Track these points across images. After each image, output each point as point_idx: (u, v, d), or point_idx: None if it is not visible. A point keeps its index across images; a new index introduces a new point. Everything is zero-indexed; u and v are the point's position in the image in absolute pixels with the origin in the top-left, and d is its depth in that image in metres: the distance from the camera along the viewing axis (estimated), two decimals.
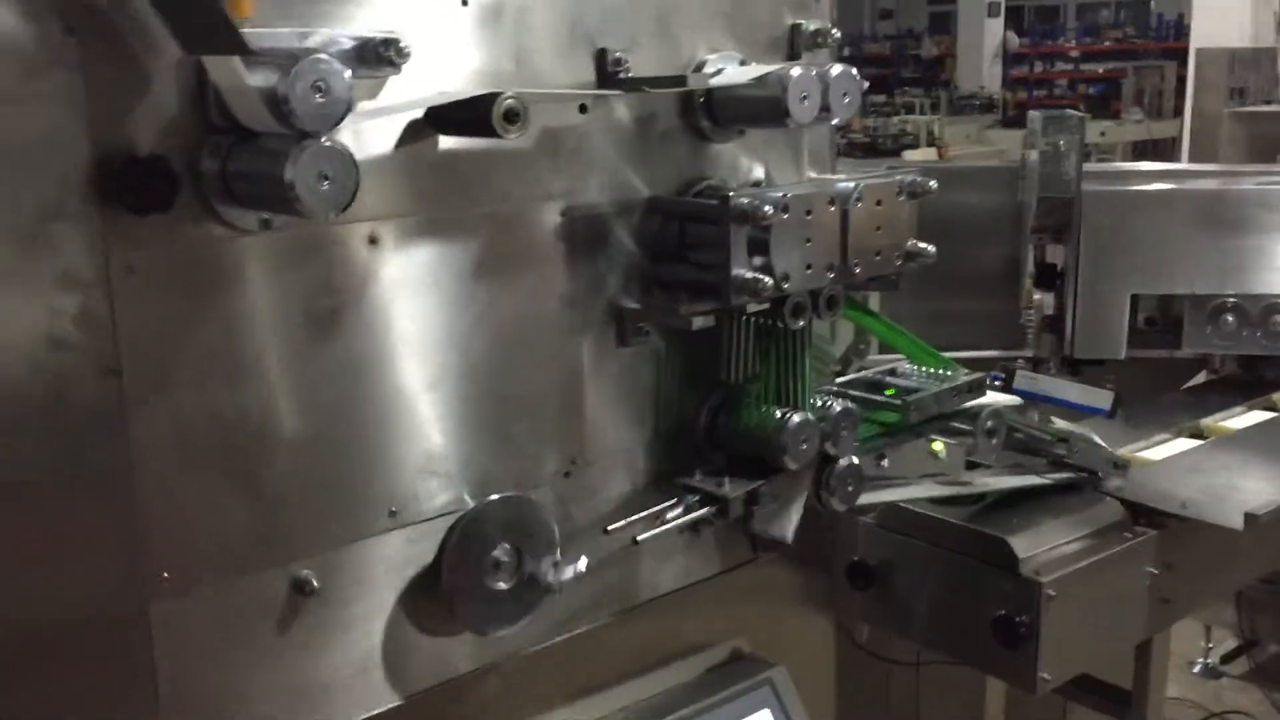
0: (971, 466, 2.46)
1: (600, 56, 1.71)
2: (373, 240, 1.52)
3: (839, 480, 1.91)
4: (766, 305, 1.75)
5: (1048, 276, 3.25)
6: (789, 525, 1.88)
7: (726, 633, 2.09)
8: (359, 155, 1.40)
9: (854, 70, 1.78)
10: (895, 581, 2.32)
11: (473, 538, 1.64)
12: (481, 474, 1.69)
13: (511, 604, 1.68)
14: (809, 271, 1.75)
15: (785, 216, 1.70)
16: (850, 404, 1.92)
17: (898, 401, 2.03)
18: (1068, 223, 3.14)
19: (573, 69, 1.70)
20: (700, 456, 1.92)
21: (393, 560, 1.61)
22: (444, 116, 1.51)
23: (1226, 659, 4.36)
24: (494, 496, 1.68)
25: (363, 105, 1.44)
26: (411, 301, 1.58)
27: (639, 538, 1.76)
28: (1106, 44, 23.18)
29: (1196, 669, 4.25)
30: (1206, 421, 2.90)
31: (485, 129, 1.46)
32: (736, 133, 1.87)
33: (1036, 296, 3.23)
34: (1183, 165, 3.51)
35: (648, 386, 1.87)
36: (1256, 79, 9.70)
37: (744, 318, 1.83)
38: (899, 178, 1.85)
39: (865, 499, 2.01)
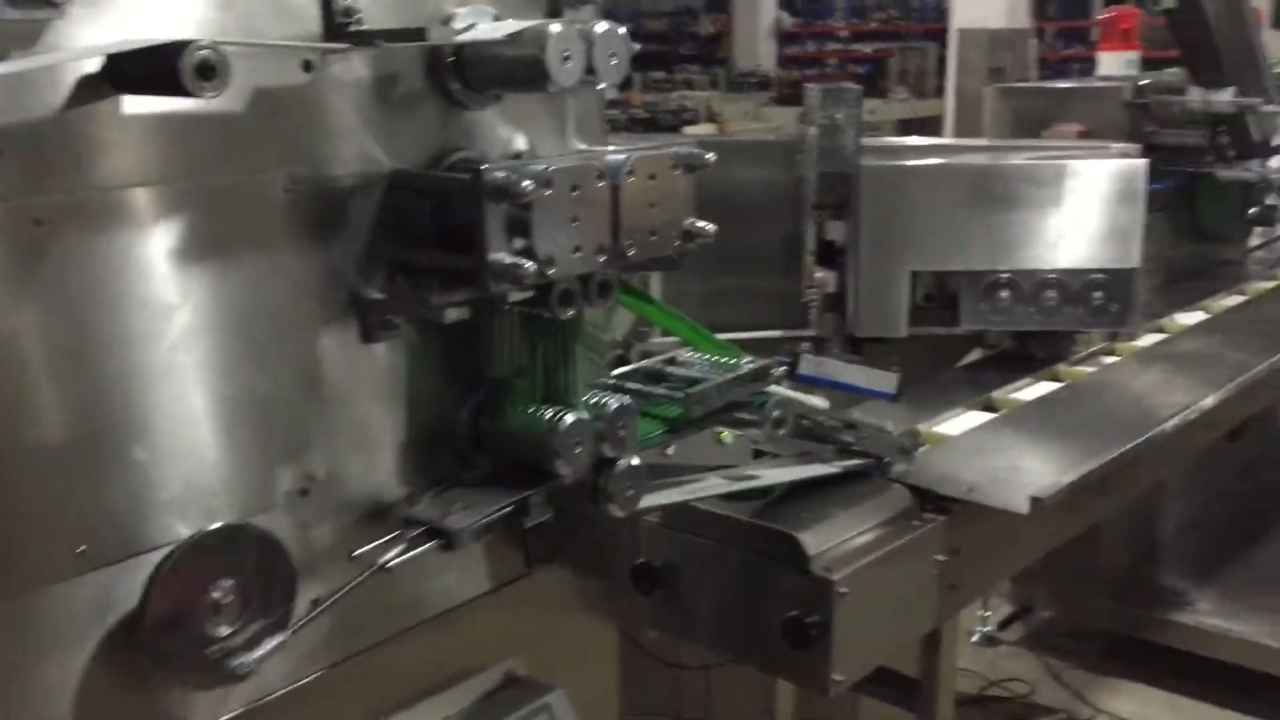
0: (758, 454, 2.34)
1: (326, 4, 1.46)
2: (37, 223, 1.23)
3: (618, 484, 1.73)
4: (530, 293, 1.55)
5: (828, 254, 3.17)
6: None
7: (500, 654, 1.89)
8: (9, 119, 1.13)
9: (621, 28, 1.59)
10: (681, 583, 2.17)
11: (184, 576, 1.38)
12: (199, 498, 1.43)
13: (236, 652, 1.43)
14: (577, 254, 1.55)
15: (548, 193, 1.49)
16: (628, 399, 1.74)
17: (679, 394, 1.86)
18: (847, 199, 3.07)
19: (294, 19, 1.45)
20: (463, 462, 1.71)
21: (83, 610, 1.33)
22: (124, 71, 1.23)
23: (1002, 626, 4.46)
24: (212, 525, 1.42)
25: (14, 58, 1.16)
26: (96, 297, 1.30)
27: (389, 562, 1.53)
28: (873, 25, 23.96)
29: (974, 638, 4.32)
30: (997, 394, 2.87)
31: (175, 86, 1.19)
32: (493, 98, 1.66)
33: (818, 274, 3.15)
34: (955, 140, 3.51)
35: (398, 387, 1.64)
36: (1013, 58, 10.12)
37: (505, 307, 1.62)
38: (673, 149, 1.67)
39: (648, 500, 1.83)
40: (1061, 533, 2.60)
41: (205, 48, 1.20)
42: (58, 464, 1.29)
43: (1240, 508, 4.59)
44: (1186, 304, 3.70)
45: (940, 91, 19.48)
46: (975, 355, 3.29)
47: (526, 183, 1.45)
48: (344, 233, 1.53)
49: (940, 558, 2.23)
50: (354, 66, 1.51)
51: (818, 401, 2.07)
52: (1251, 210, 3.96)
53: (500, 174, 1.45)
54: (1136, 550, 4.40)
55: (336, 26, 1.46)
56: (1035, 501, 2.16)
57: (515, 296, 1.54)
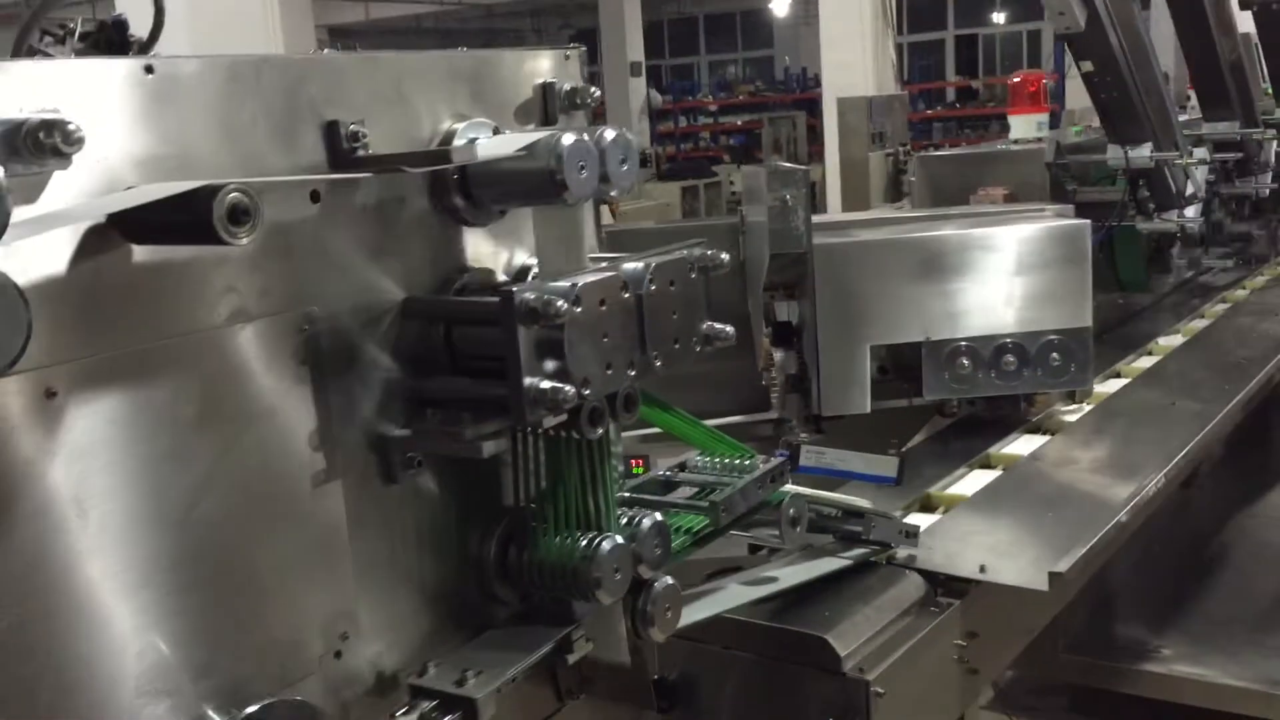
0: (753, 550, 2.27)
1: (331, 131, 1.37)
2: (50, 394, 1.11)
3: (657, 605, 1.63)
4: (563, 417, 1.45)
5: (783, 334, 3.14)
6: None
7: None
8: (22, 282, 1.01)
9: (628, 132, 1.53)
10: (702, 696, 2.07)
11: None
12: (228, 679, 1.29)
13: None
14: (610, 372, 1.47)
15: (578, 311, 1.41)
16: (659, 516, 1.65)
17: (704, 504, 1.78)
18: (800, 278, 3.05)
19: (297, 149, 1.35)
20: (490, 599, 1.59)
21: None
22: (139, 220, 1.12)
23: None
24: (251, 709, 1.28)
25: (21, 212, 1.05)
26: (108, 471, 1.17)
27: None
28: (740, 98, 24.55)
29: None
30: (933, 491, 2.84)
31: (203, 233, 1.09)
32: (497, 214, 1.58)
33: (776, 355, 3.11)
34: (892, 213, 3.55)
35: (423, 525, 1.53)
36: (891, 123, 10.40)
37: (534, 433, 1.53)
38: (689, 252, 1.61)
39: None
40: (1062, 602, 2.57)
41: (237, 190, 1.10)
42: (74, 661, 1.15)
43: (1187, 549, 4.64)
44: (1120, 359, 3.75)
45: (812, 158, 20.05)
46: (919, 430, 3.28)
47: (560, 302, 1.36)
48: (361, 369, 1.42)
49: (960, 642, 2.18)
50: (359, 193, 1.41)
51: (849, 499, 2.01)
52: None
53: (531, 295, 1.36)
54: (1091, 601, 4.41)
55: (343, 153, 1.36)
56: (1055, 577, 2.12)
57: (549, 422, 1.45)
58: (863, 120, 9.80)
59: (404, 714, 1.44)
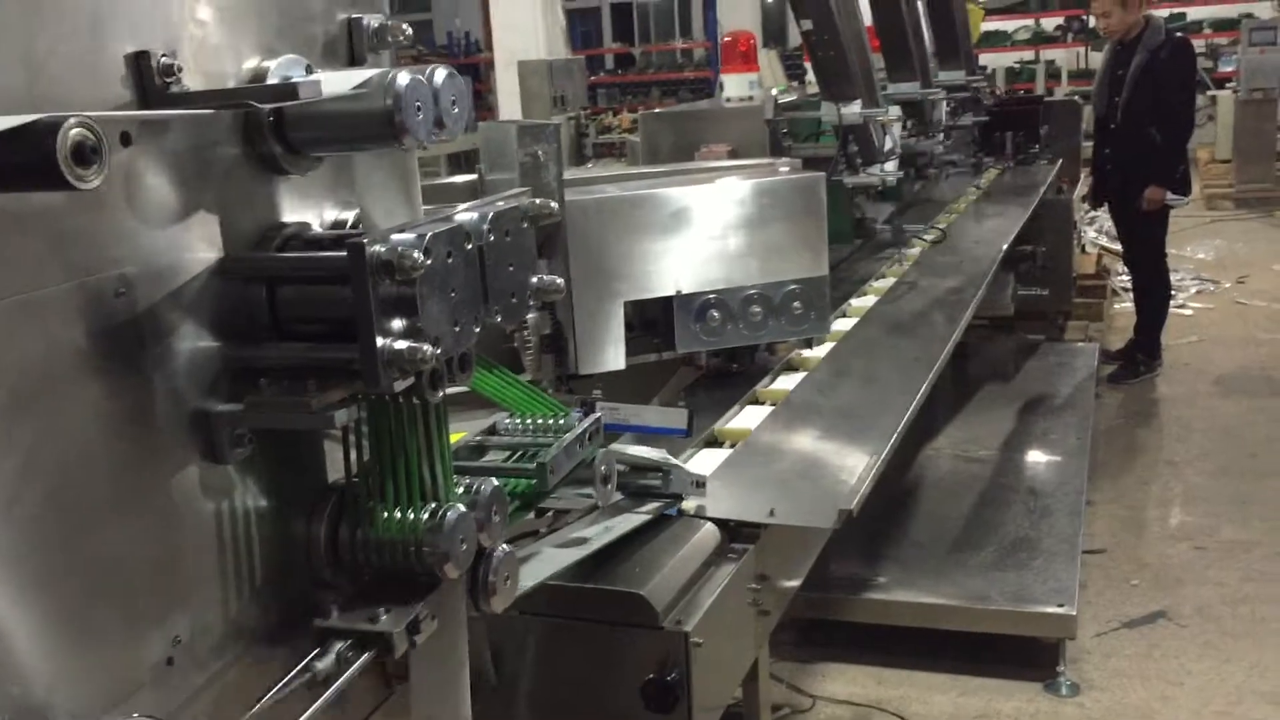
0: (539, 513, 2.22)
1: (139, 62, 1.19)
2: None
3: (498, 575, 1.55)
4: (412, 380, 1.34)
5: None
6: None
7: None
8: None
9: (456, 72, 1.43)
10: (511, 669, 2.00)
11: None
12: (52, 696, 1.11)
13: None
14: (458, 329, 1.37)
15: (429, 263, 1.30)
16: (495, 481, 1.56)
17: (530, 466, 1.71)
18: (551, 236, 2.99)
19: (104, 82, 1.16)
20: (324, 586, 1.46)
21: None
22: None
23: None
24: None
25: None
26: None
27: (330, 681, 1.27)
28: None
29: None
30: (718, 427, 2.91)
31: (46, 175, 0.91)
32: (314, 161, 1.43)
33: (530, 316, 3.05)
34: (646, 169, 3.53)
35: (251, 507, 1.37)
36: (571, 86, 10.48)
37: (369, 399, 1.40)
38: (521, 201, 1.53)
39: None
40: (825, 537, 2.67)
41: (80, 125, 0.92)
42: None
43: (882, 480, 4.99)
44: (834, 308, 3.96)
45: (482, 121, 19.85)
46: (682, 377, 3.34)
47: (416, 254, 1.25)
48: (182, 337, 1.25)
49: (754, 586, 2.22)
50: (172, 136, 1.23)
51: (647, 451, 1.98)
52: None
53: (382, 247, 1.25)
54: None
55: (155, 90, 1.19)
56: (844, 514, 2.20)
57: (399, 385, 1.33)
58: (544, 84, 9.80)
59: (318, 656, 1.32)
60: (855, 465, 2.45)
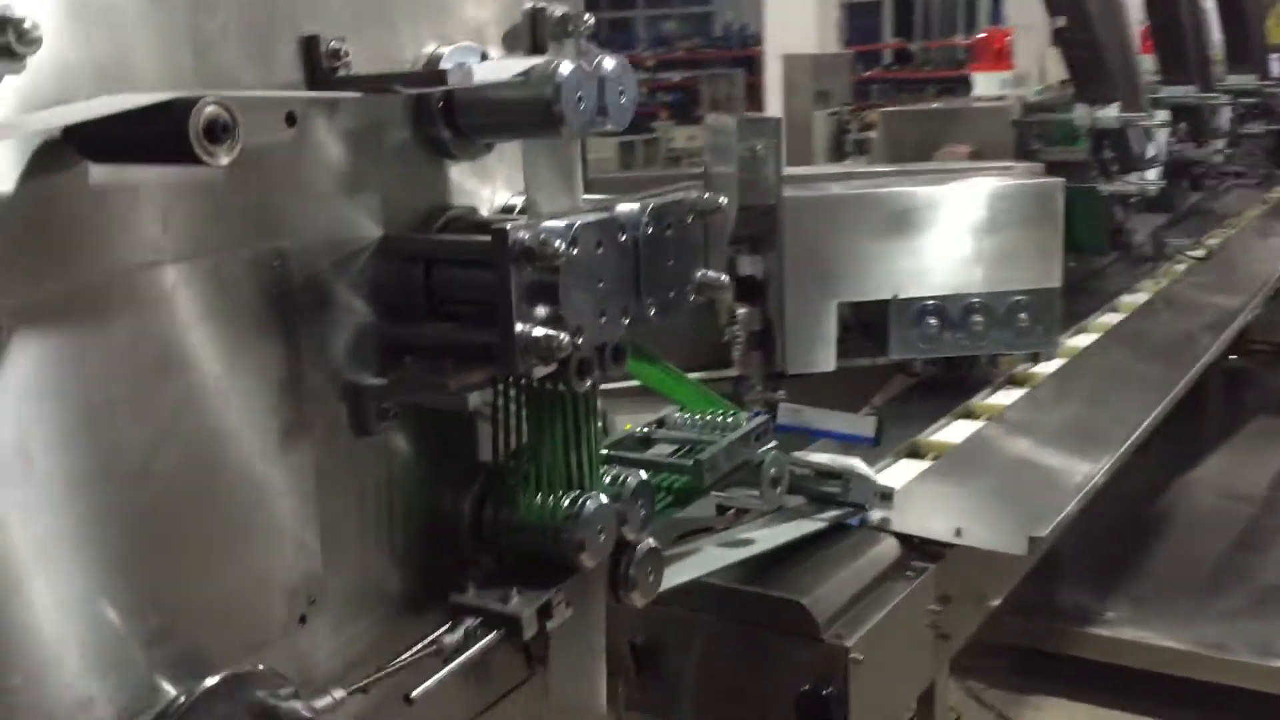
0: (721, 511, 2.19)
1: (309, 47, 1.24)
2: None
3: (640, 569, 1.54)
4: (554, 368, 1.35)
5: (747, 290, 3.05)
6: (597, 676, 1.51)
7: None
8: None
9: (628, 62, 1.42)
10: (669, 661, 2.00)
11: None
12: (184, 648, 1.18)
13: None
14: (604, 320, 1.37)
15: (575, 252, 1.31)
16: (644, 475, 1.55)
17: (688, 463, 1.69)
18: (767, 232, 2.95)
19: (272, 65, 1.22)
20: (467, 563, 1.49)
21: None
22: (102, 136, 0.99)
23: None
24: (210, 680, 1.17)
25: None
26: (50, 421, 1.04)
27: (414, 694, 1.30)
28: (679, 53, 24.29)
29: None
30: (921, 439, 2.80)
31: (176, 150, 0.96)
32: (484, 147, 1.46)
33: (739, 311, 3.02)
34: (863, 167, 3.47)
35: (396, 482, 1.42)
36: (837, 82, 10.33)
37: (514, 384, 1.42)
38: (687, 195, 1.51)
39: None
40: (1027, 566, 2.53)
41: (215, 103, 0.97)
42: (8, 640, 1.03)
43: (1129, 513, 4.68)
44: (1075, 323, 3.73)
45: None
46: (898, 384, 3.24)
47: (557, 242, 1.26)
48: (335, 311, 1.31)
49: (933, 607, 2.12)
50: (339, 117, 1.29)
51: (827, 458, 1.93)
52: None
53: (526, 233, 1.26)
54: (1035, 564, 4.43)
55: (324, 72, 1.24)
56: (1034, 541, 2.07)
57: (539, 372, 1.34)
58: (808, 78, 9.70)
59: (448, 631, 1.36)
60: (1061, 490, 2.31)
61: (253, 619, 1.25)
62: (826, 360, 2.95)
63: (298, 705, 1.21)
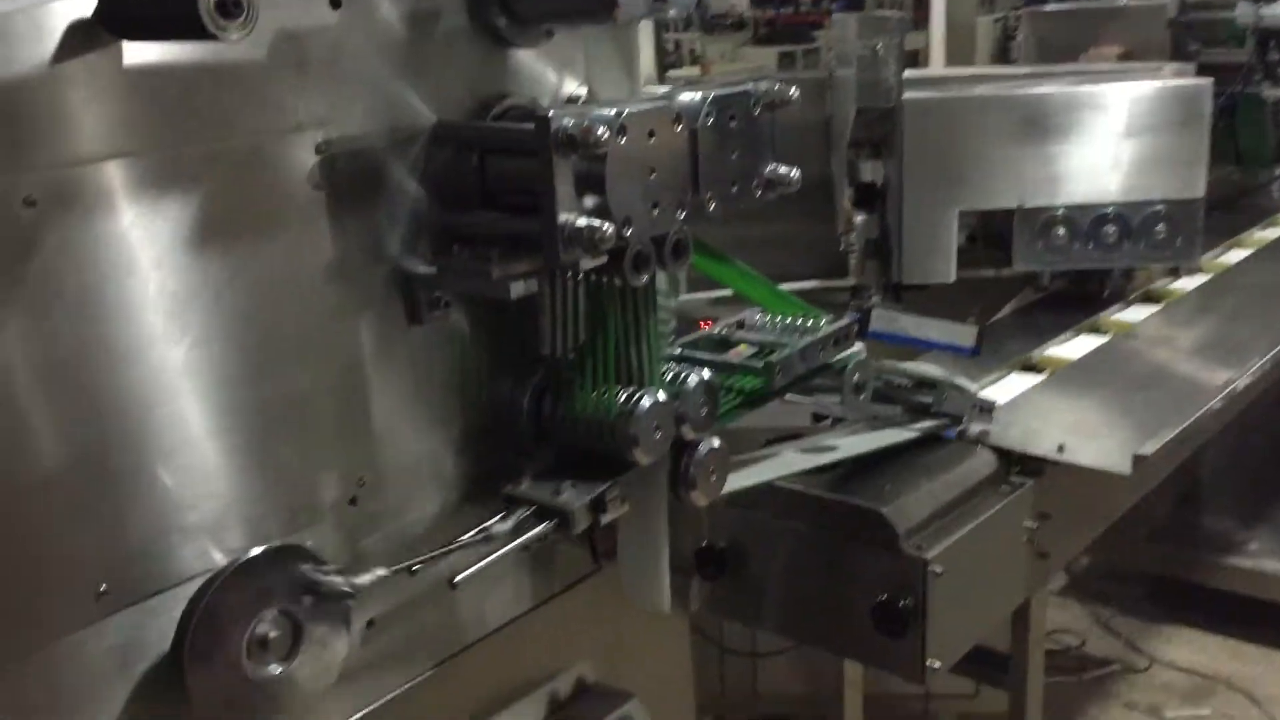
0: (817, 419, 2.15)
1: None
2: (28, 203, 1.01)
3: (701, 469, 1.53)
4: (602, 259, 1.33)
5: (866, 196, 2.95)
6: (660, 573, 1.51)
7: (569, 659, 1.70)
8: None
9: None
10: (750, 566, 1.98)
11: (224, 612, 1.18)
12: (237, 517, 1.22)
13: (289, 689, 1.23)
14: (656, 212, 1.34)
15: (623, 141, 1.28)
16: (707, 374, 1.53)
17: (758, 364, 1.66)
18: (887, 136, 2.85)
19: None
20: (525, 455, 1.50)
21: (105, 662, 1.13)
22: (125, 13, 1.01)
23: None
24: (255, 550, 1.21)
25: None
26: (99, 289, 1.08)
27: (457, 579, 1.32)
28: None
29: None
30: (1038, 354, 2.67)
31: (190, 27, 0.97)
32: (543, 35, 1.43)
33: (857, 219, 2.93)
34: (994, 69, 3.28)
35: (450, 372, 1.43)
36: None
37: (571, 276, 1.41)
38: (753, 85, 1.46)
39: (729, 483, 1.63)
40: (1142, 489, 2.42)
41: None
42: (65, 494, 1.08)
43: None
44: (1226, 237, 3.49)
45: (919, 25, 19.23)
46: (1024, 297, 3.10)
47: (601, 129, 1.23)
48: (384, 199, 1.31)
49: (1030, 524, 2.05)
50: (384, 5, 1.28)
51: (918, 366, 1.87)
52: None
53: (570, 120, 1.23)
54: (1178, 489, 4.24)
55: None
56: (1139, 460, 1.97)
57: (586, 264, 1.32)
58: None
59: (500, 520, 1.38)
60: (1179, 411, 2.18)
61: (303, 497, 1.29)
62: (946, 271, 2.84)
63: (338, 579, 1.25)
